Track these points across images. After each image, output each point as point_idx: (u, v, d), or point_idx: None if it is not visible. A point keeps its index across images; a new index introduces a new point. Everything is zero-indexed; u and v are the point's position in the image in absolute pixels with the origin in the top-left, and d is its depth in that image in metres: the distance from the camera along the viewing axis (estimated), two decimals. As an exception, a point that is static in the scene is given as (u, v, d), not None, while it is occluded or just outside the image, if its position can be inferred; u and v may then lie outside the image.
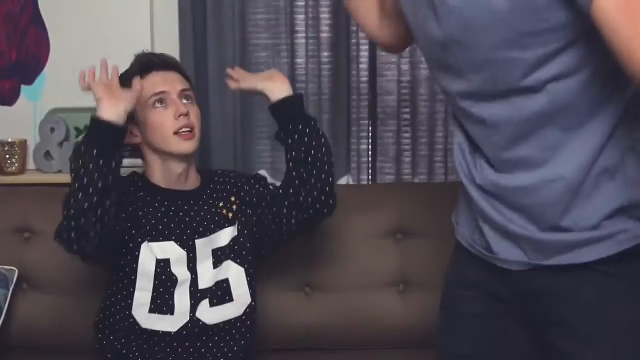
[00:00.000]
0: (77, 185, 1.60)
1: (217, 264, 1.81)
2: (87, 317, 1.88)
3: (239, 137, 2.51)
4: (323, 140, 1.85)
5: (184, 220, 1.81)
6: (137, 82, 1.73)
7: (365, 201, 2.23)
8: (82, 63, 2.45)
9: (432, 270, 1.96)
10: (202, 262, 1.79)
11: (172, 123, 1.78)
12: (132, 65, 1.85)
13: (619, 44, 1.08)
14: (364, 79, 2.55)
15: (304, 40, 2.51)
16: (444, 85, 1.36)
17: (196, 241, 1.80)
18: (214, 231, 1.82)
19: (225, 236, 1.83)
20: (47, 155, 2.48)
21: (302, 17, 2.50)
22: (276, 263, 2.05)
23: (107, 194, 1.62)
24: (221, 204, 1.86)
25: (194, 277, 1.78)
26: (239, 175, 1.98)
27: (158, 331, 1.74)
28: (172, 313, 1.75)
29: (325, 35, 2.51)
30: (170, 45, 2.51)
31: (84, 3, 2.50)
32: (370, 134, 2.60)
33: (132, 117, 1.75)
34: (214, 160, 2.52)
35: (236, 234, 1.84)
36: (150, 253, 1.75)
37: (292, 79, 2.52)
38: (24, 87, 2.54)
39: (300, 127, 1.81)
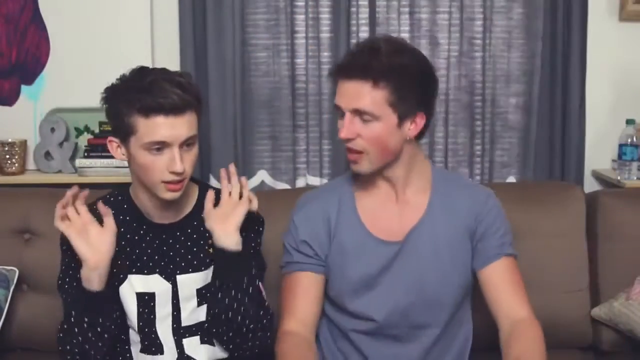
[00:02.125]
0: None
1: (201, 302, 1.67)
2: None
3: (239, 137, 2.50)
4: (246, 307, 1.62)
5: (167, 254, 1.67)
6: (108, 218, 1.57)
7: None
8: (82, 63, 2.49)
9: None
10: (186, 299, 1.67)
11: (162, 172, 1.56)
12: (135, 98, 1.52)
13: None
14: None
15: (304, 40, 2.51)
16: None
17: (177, 277, 1.66)
18: (198, 268, 1.67)
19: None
20: (47, 155, 2.48)
21: (302, 17, 2.50)
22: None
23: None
24: (209, 242, 1.66)
25: (176, 314, 1.66)
26: None
27: None
28: (161, 352, 1.66)
29: (325, 35, 2.51)
30: (170, 46, 2.52)
31: (84, 3, 2.50)
32: (370, 134, 2.60)
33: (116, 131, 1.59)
34: (214, 160, 2.52)
35: None
36: (130, 288, 1.65)
37: (292, 79, 2.52)
38: (24, 87, 2.53)
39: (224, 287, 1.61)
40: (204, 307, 1.66)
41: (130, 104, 1.52)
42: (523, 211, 2.06)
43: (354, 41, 2.49)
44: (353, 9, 2.49)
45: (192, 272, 1.67)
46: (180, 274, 1.67)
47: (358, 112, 1.55)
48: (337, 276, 1.68)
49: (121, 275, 1.65)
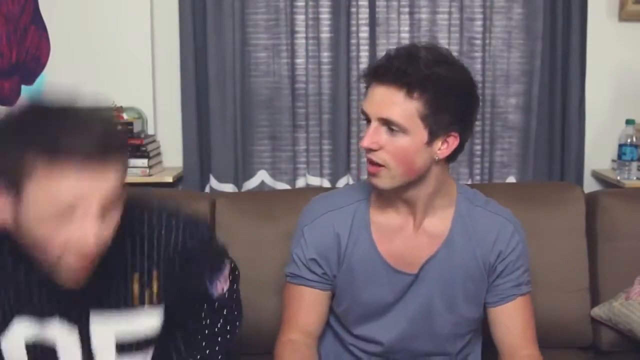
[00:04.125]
0: None
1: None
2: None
3: (239, 137, 2.51)
4: None
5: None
6: None
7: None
8: (82, 63, 2.49)
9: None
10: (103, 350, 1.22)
11: None
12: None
13: None
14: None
15: (304, 40, 2.51)
16: None
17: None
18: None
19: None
20: (47, 155, 2.47)
21: (302, 17, 2.50)
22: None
23: None
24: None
25: None
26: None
27: None
28: None
29: (325, 35, 2.51)
30: (170, 45, 2.52)
31: (84, 3, 2.50)
32: (370, 134, 2.60)
33: None
34: (214, 160, 2.52)
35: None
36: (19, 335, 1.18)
37: (292, 79, 2.52)
38: (24, 87, 2.53)
39: None
40: None
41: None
42: (523, 211, 2.05)
43: (353, 41, 2.50)
44: (353, 9, 2.49)
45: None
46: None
47: (386, 122, 1.40)
48: (345, 296, 1.59)
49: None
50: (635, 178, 2.45)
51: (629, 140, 2.46)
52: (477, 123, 2.57)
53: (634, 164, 2.45)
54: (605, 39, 2.59)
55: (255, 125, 2.56)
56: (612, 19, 2.60)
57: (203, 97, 2.50)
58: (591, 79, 2.55)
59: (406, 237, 1.54)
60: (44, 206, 1.03)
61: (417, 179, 1.46)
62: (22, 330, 1.18)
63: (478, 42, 2.53)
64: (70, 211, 1.03)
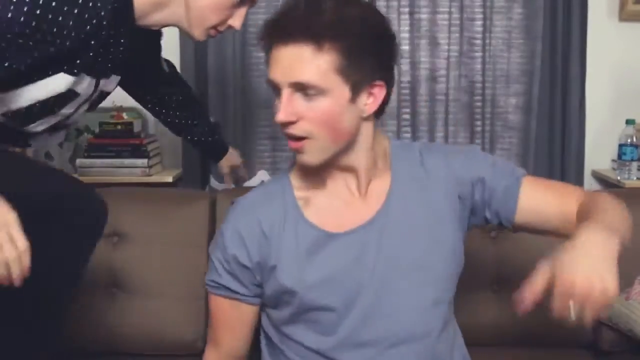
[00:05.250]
0: None
1: None
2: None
3: (239, 137, 2.51)
4: None
5: None
6: None
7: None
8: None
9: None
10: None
11: None
12: None
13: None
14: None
15: (304, 41, 2.51)
16: None
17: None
18: None
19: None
20: (47, 155, 2.48)
21: (302, 17, 2.50)
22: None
23: None
24: None
25: None
26: None
27: None
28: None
29: (325, 35, 2.51)
30: (170, 45, 2.52)
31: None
32: (370, 134, 2.60)
33: None
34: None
35: None
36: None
37: (292, 79, 2.53)
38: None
39: None
40: None
41: None
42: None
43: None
44: (353, 9, 2.49)
45: None
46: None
47: (299, 86, 1.20)
48: (285, 295, 1.33)
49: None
50: (635, 178, 2.45)
51: (629, 140, 2.46)
52: (477, 123, 2.57)
53: (634, 164, 2.45)
54: (606, 39, 2.59)
55: (255, 125, 2.56)
56: (613, 19, 2.60)
57: (203, 97, 2.50)
58: (591, 79, 2.55)
59: (353, 208, 1.33)
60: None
61: (349, 144, 1.28)
62: (67, 79, 1.39)
63: (478, 42, 2.53)
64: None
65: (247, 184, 2.55)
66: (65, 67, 1.37)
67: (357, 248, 1.31)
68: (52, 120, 1.48)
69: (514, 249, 2.03)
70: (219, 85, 2.49)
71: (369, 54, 1.21)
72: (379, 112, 1.31)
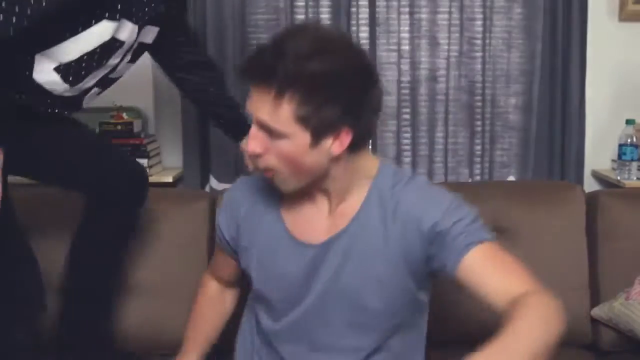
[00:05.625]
0: None
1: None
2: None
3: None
4: None
5: None
6: None
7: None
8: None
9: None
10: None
11: None
12: None
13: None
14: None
15: (304, 40, 2.51)
16: None
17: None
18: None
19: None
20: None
21: (302, 17, 2.50)
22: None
23: None
24: None
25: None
26: None
27: None
28: None
29: (325, 35, 2.50)
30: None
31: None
32: (370, 134, 2.60)
33: None
34: (214, 160, 2.52)
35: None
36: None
37: (292, 79, 2.52)
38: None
39: None
40: None
41: None
42: (523, 210, 2.07)
43: (354, 40, 2.50)
44: (353, 9, 2.49)
45: None
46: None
47: (263, 125, 1.24)
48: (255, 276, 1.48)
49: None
50: (635, 178, 2.44)
51: (629, 140, 2.46)
52: (477, 123, 2.57)
53: (634, 164, 2.45)
54: (606, 39, 2.58)
55: (255, 125, 2.56)
56: (612, 19, 2.60)
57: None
58: (591, 79, 2.54)
59: (318, 217, 1.40)
60: None
61: (320, 176, 1.32)
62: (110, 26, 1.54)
63: (478, 42, 2.53)
64: None
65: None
66: (107, 14, 1.49)
67: (310, 261, 1.39)
68: (100, 74, 1.58)
69: (512, 251, 2.03)
70: (219, 85, 2.49)
71: (331, 104, 1.22)
72: (355, 148, 1.31)
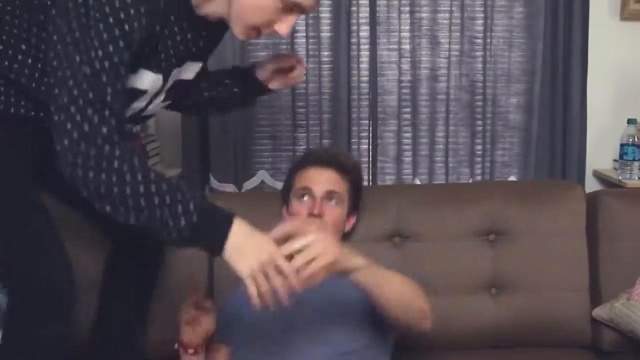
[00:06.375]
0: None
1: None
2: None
3: (239, 137, 2.50)
4: None
5: None
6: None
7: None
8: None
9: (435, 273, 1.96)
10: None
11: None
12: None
13: None
14: (364, 78, 2.55)
15: (304, 40, 2.51)
16: None
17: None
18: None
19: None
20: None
21: (302, 16, 2.49)
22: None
23: None
24: None
25: None
26: None
27: None
28: None
29: (325, 34, 2.50)
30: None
31: (84, 2, 2.49)
32: (370, 134, 2.59)
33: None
34: (213, 160, 2.51)
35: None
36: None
37: (292, 79, 2.52)
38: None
39: None
40: None
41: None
42: (523, 210, 2.06)
43: (354, 40, 2.49)
44: (353, 9, 2.49)
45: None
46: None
47: (330, 194, 1.72)
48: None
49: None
50: (637, 178, 2.44)
51: (630, 140, 2.45)
52: (478, 122, 2.57)
53: (636, 164, 2.44)
54: (607, 39, 2.58)
55: (255, 125, 2.56)
56: (614, 19, 2.59)
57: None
58: (593, 79, 2.54)
59: None
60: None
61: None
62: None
63: (479, 41, 2.52)
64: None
65: (246, 185, 2.55)
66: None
67: None
68: (128, 112, 1.48)
69: (511, 253, 2.03)
70: (219, 84, 2.48)
71: (357, 193, 1.85)
72: (345, 236, 1.85)
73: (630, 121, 2.48)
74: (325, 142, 2.54)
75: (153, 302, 1.96)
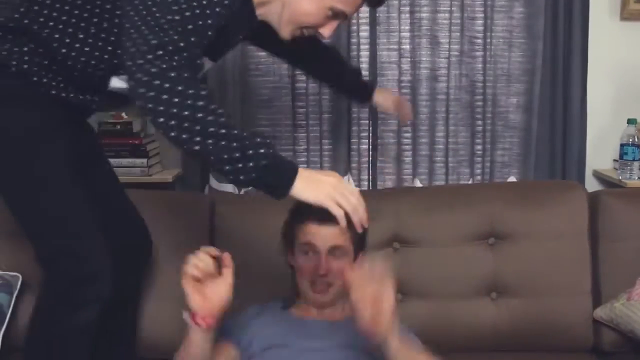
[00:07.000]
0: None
1: None
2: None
3: (239, 137, 2.49)
4: None
5: None
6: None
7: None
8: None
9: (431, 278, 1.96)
10: None
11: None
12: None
13: None
14: (365, 78, 2.55)
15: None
16: None
17: None
18: None
19: None
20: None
21: (302, 16, 2.49)
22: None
23: None
24: None
25: None
26: None
27: None
28: None
29: (325, 34, 2.49)
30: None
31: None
32: (370, 134, 2.59)
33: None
34: (213, 161, 2.51)
35: None
36: None
37: (292, 79, 2.51)
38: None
39: None
40: None
41: None
42: (524, 211, 2.06)
43: (354, 40, 2.49)
44: (353, 9, 2.48)
45: None
46: None
47: (334, 249, 1.68)
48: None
49: None
50: (637, 178, 2.44)
51: (630, 140, 2.45)
52: (478, 122, 2.56)
53: (636, 164, 2.44)
54: (607, 38, 2.58)
55: (255, 125, 2.55)
56: (614, 18, 2.59)
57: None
58: (593, 79, 2.54)
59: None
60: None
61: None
62: None
63: (479, 41, 2.52)
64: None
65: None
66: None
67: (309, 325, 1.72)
68: None
69: (511, 256, 2.03)
70: (219, 85, 2.48)
71: (363, 235, 1.71)
72: None
73: (630, 121, 2.48)
74: (325, 141, 2.53)
75: (149, 302, 1.97)
